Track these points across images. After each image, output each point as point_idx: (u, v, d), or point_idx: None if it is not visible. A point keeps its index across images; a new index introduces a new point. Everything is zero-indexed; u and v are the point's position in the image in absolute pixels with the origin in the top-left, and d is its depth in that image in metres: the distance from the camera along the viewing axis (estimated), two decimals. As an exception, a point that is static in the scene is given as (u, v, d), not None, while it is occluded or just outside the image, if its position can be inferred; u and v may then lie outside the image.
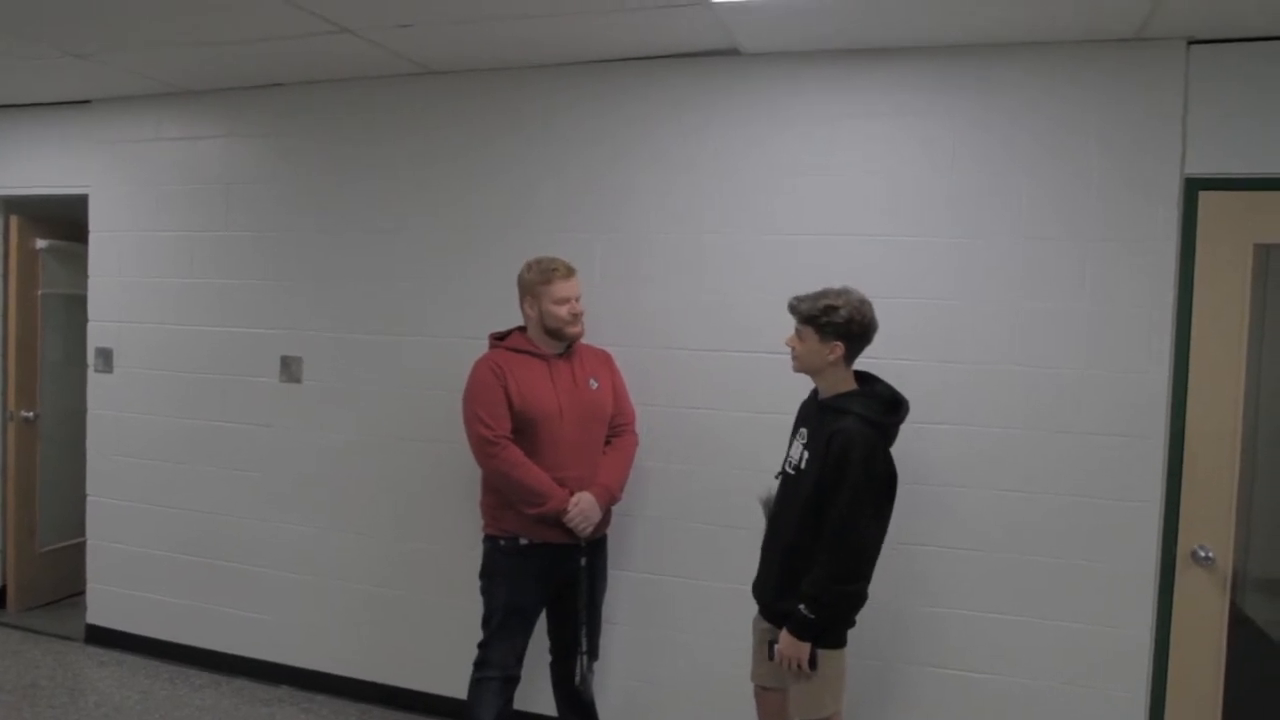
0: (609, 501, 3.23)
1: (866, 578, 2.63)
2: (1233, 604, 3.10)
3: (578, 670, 3.29)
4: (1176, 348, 3.10)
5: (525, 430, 3.15)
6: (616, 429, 3.34)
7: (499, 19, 3.22)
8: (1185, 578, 3.11)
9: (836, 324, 2.66)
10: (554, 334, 3.22)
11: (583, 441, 3.21)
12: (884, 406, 2.70)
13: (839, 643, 2.73)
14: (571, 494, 3.13)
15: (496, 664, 3.23)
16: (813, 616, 2.60)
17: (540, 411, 3.15)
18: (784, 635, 2.67)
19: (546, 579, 3.23)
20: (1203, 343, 3.08)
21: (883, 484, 2.64)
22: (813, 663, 2.65)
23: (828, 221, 3.39)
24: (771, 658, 2.74)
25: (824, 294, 2.72)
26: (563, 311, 3.18)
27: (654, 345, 3.58)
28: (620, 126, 3.64)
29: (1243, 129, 3.02)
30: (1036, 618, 3.21)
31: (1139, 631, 3.13)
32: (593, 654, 3.35)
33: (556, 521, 3.12)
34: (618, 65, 3.62)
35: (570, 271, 3.23)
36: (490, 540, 3.26)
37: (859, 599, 2.66)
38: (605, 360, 3.41)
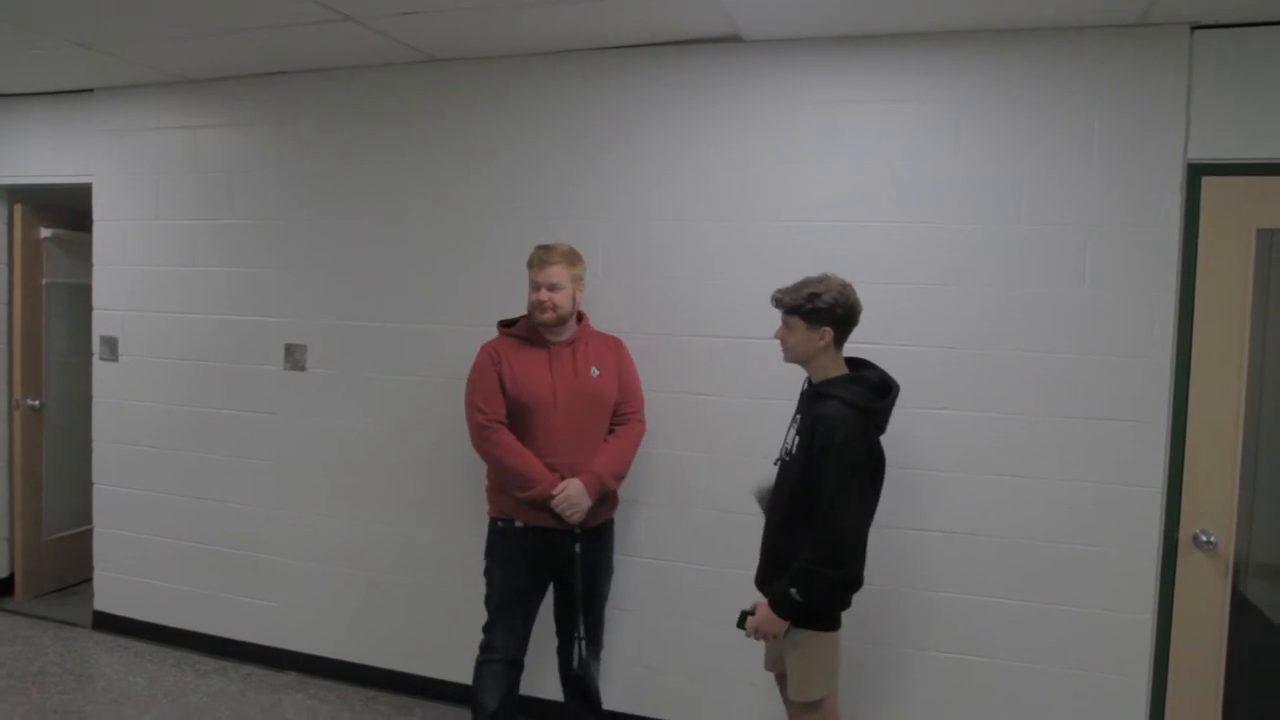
0: (598, 489, 3.19)
1: (848, 562, 2.63)
2: (1234, 588, 3.11)
3: (575, 655, 3.31)
4: (1179, 332, 3.10)
5: (519, 415, 3.19)
6: (622, 417, 3.33)
7: (501, 6, 3.22)
8: (1187, 562, 3.13)
9: (822, 309, 2.69)
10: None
11: (578, 428, 3.20)
12: (870, 391, 2.71)
13: (832, 625, 2.76)
14: (562, 479, 3.15)
15: (498, 647, 3.26)
16: (799, 599, 2.63)
17: (533, 397, 3.17)
18: (761, 607, 2.71)
19: (539, 562, 3.25)
20: (1205, 327, 3.08)
21: (865, 468, 2.66)
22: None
23: (830, 207, 3.39)
24: (741, 625, 2.78)
25: (805, 283, 2.74)
26: (534, 297, 3.21)
27: (658, 332, 3.59)
28: (622, 113, 3.64)
29: (1246, 114, 3.02)
30: (1038, 602, 3.23)
31: (1141, 616, 3.15)
32: (592, 641, 3.36)
33: (547, 506, 3.14)
34: (620, 52, 3.62)
35: (544, 260, 3.21)
36: (491, 522, 3.31)
37: (844, 583, 2.68)
38: (613, 348, 3.39)
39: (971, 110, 3.25)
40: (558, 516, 3.14)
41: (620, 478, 3.29)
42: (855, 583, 2.73)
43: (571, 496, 3.13)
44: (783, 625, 2.69)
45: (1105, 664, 3.17)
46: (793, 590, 2.63)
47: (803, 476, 2.67)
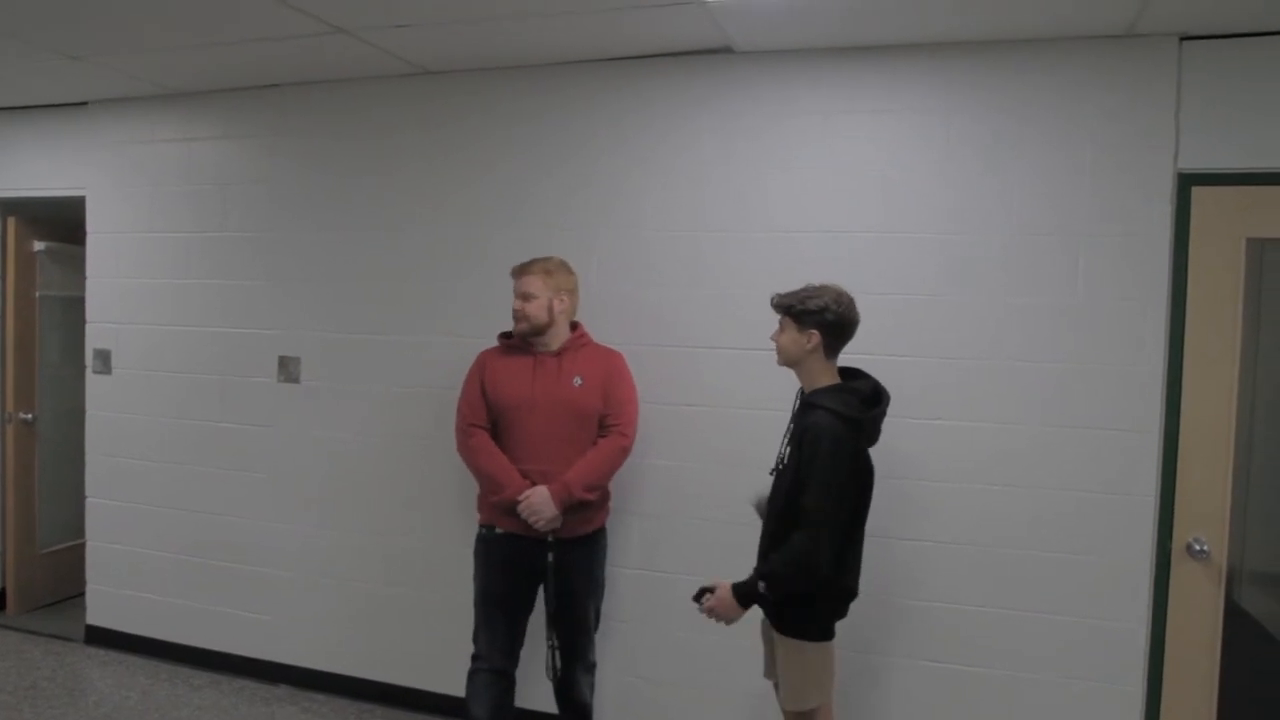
0: (564, 499, 3.16)
1: (818, 572, 2.60)
2: (1228, 597, 3.11)
3: (548, 665, 3.31)
4: (1170, 342, 3.11)
5: (499, 421, 3.27)
6: (605, 429, 3.30)
7: (494, 19, 3.24)
8: (1180, 571, 3.13)
9: (811, 312, 2.71)
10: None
11: (554, 437, 3.21)
12: (860, 401, 2.71)
13: (825, 635, 2.76)
14: (533, 486, 3.16)
15: (484, 655, 3.29)
16: (763, 592, 2.66)
17: (508, 403, 3.23)
18: (723, 589, 2.72)
19: (515, 570, 3.27)
20: (1197, 337, 3.09)
21: (846, 477, 2.65)
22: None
23: (823, 217, 3.40)
24: (697, 599, 2.79)
25: (805, 287, 2.78)
26: (512, 306, 3.28)
27: (651, 342, 3.59)
28: (615, 125, 3.65)
29: (1235, 124, 3.03)
30: (1031, 612, 3.22)
31: (1135, 625, 3.14)
32: (580, 657, 3.35)
33: (516, 511, 3.16)
34: (612, 64, 3.63)
35: (521, 270, 3.30)
36: (478, 529, 3.35)
37: (811, 591, 2.67)
38: (605, 360, 3.37)
39: (963, 121, 3.26)
40: (528, 524, 3.16)
41: (592, 489, 3.23)
42: (847, 592, 2.75)
43: (534, 503, 3.13)
44: (738, 612, 2.72)
45: (1099, 673, 3.17)
46: (761, 585, 2.66)
47: (792, 487, 2.68)
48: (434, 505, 3.93)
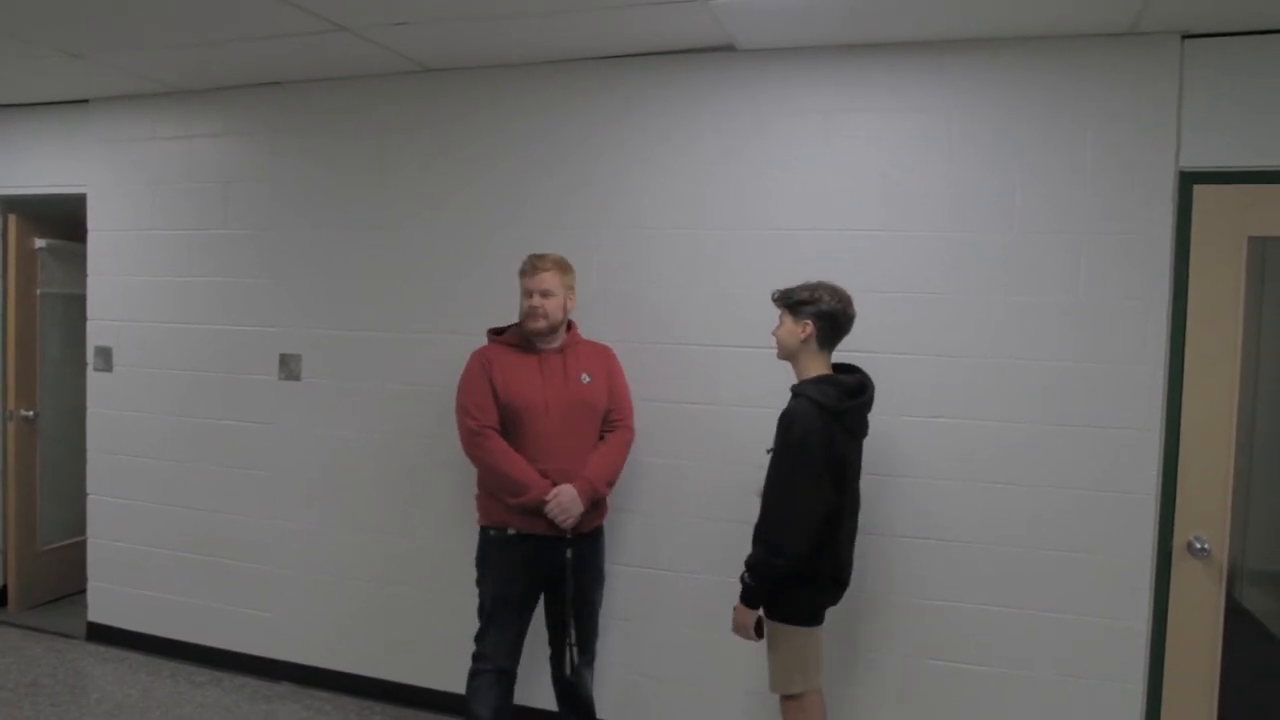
0: (590, 495, 3.19)
1: (788, 552, 2.69)
2: (1229, 595, 3.11)
3: (567, 662, 3.31)
4: (1172, 340, 3.11)
5: (511, 422, 3.20)
6: (611, 424, 3.34)
7: (495, 17, 3.23)
8: (1181, 569, 3.13)
9: (807, 302, 2.81)
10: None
11: (569, 435, 3.21)
12: (841, 392, 2.77)
13: (809, 620, 2.81)
14: (553, 485, 3.15)
15: (489, 656, 3.26)
16: (751, 583, 2.75)
17: (524, 403, 3.18)
18: (738, 602, 2.83)
19: (533, 570, 3.25)
20: (1198, 335, 3.09)
21: (819, 464, 2.69)
22: (759, 630, 2.81)
23: (824, 216, 3.40)
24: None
25: (804, 283, 2.87)
26: (526, 303, 3.23)
27: (650, 340, 3.59)
28: (615, 123, 3.65)
29: (1237, 122, 3.03)
30: (1032, 609, 3.22)
31: (1135, 623, 3.14)
32: (584, 649, 3.36)
33: (539, 512, 3.14)
34: (614, 62, 3.63)
35: (537, 266, 3.24)
36: (482, 531, 3.32)
37: (785, 572, 2.72)
38: (604, 356, 3.41)
39: (964, 119, 3.26)
40: (550, 523, 3.14)
41: (611, 484, 3.30)
42: (834, 579, 2.82)
43: (564, 503, 3.13)
44: (749, 614, 2.78)
45: (1100, 672, 3.17)
46: (745, 575, 2.77)
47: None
48: (436, 503, 3.93)
